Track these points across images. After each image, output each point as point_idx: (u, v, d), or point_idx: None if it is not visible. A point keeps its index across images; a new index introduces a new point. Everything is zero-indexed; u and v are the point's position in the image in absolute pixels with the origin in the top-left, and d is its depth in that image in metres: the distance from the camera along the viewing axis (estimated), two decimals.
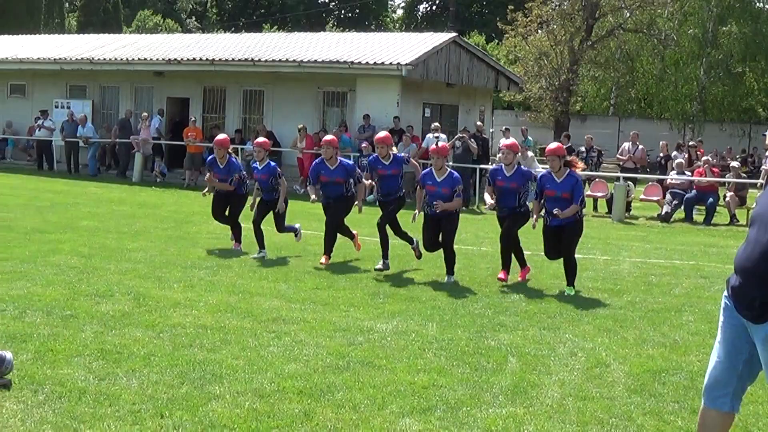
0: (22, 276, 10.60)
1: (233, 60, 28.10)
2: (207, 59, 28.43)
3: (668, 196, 22.32)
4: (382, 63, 25.82)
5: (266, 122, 28.05)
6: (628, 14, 41.26)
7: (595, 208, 23.62)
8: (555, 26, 40.60)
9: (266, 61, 27.54)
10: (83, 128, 29.32)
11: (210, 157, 14.21)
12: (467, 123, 28.52)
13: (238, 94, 29.44)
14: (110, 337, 7.94)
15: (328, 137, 13.33)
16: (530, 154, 23.63)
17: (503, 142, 12.28)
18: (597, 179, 23.86)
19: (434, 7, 77.15)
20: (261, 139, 13.94)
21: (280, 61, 27.37)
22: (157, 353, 7.46)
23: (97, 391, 6.38)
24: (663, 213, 21.89)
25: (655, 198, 22.94)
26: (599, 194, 23.46)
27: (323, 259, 12.60)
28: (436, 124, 25.34)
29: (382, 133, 13.01)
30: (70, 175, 28.66)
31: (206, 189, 14.43)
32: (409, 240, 12.81)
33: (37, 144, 31.04)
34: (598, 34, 41.07)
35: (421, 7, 79.28)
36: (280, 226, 13.63)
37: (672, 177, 22.75)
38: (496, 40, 55.99)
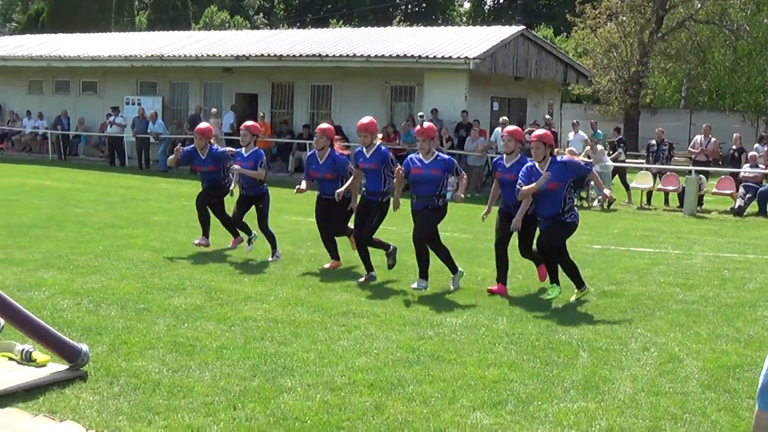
0: (97, 270, 10.78)
1: (301, 55, 28.25)
2: (275, 55, 28.62)
3: (741, 190, 21.92)
4: (450, 57, 25.75)
5: (334, 117, 28.14)
6: (699, 5, 40.65)
7: (666, 202, 23.29)
8: (624, 18, 40.14)
9: (334, 56, 27.63)
10: (154, 124, 29.74)
11: (189, 147, 13.07)
12: (536, 117, 28.35)
13: (305, 89, 29.60)
14: (183, 330, 8.04)
15: (323, 125, 11.97)
16: (599, 147, 23.37)
17: (506, 128, 10.98)
18: (668, 173, 23.55)
19: (501, 0, 76.73)
20: (249, 123, 12.92)
21: (347, 56, 27.44)
22: (229, 346, 7.53)
23: (170, 383, 6.47)
24: (736, 206, 21.51)
25: (728, 191, 22.55)
26: (671, 188, 23.14)
27: (329, 265, 11.63)
28: (505, 117, 25.20)
29: (365, 119, 11.26)
30: (141, 170, 29.09)
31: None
32: (384, 246, 11.29)
33: (109, 140, 31.54)
34: (668, 25, 40.49)
35: (489, 0, 78.93)
36: (263, 225, 12.43)
37: (745, 170, 22.35)
38: (565, 33, 55.53)
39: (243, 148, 12.53)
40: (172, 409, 5.96)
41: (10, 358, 6.79)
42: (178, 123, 30.94)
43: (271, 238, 12.32)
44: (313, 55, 27.94)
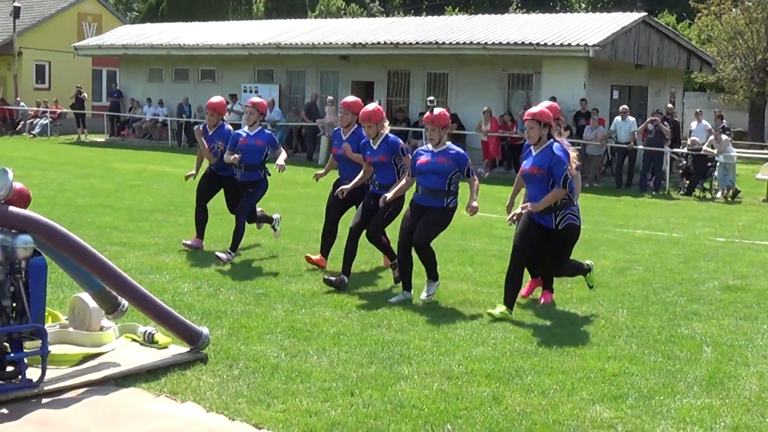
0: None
1: (417, 43, 28.22)
2: (391, 42, 28.65)
3: None
4: (569, 44, 25.38)
5: (450, 105, 27.99)
6: None
7: None
8: (750, 3, 38.98)
9: (450, 43, 27.52)
10: (271, 112, 30.03)
11: (202, 125, 11.82)
12: (657, 105, 27.72)
13: (422, 77, 29.52)
14: (300, 316, 8.10)
15: (349, 99, 10.53)
16: (724, 137, 22.74)
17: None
18: None
19: None
20: (256, 99, 11.47)
21: (464, 43, 27.30)
22: (346, 332, 7.56)
23: (288, 368, 6.51)
24: None
25: None
26: None
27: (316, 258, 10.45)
28: (625, 106, 24.74)
29: (370, 106, 9.78)
30: None
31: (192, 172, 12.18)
32: (392, 254, 9.95)
33: None
34: None
35: None
36: (242, 210, 11.15)
37: None
38: (687, 20, 54.21)
39: (246, 127, 11.20)
40: (290, 393, 6.00)
41: (134, 340, 6.95)
42: (296, 110, 31.22)
43: (238, 234, 10.90)
44: (430, 43, 27.89)
